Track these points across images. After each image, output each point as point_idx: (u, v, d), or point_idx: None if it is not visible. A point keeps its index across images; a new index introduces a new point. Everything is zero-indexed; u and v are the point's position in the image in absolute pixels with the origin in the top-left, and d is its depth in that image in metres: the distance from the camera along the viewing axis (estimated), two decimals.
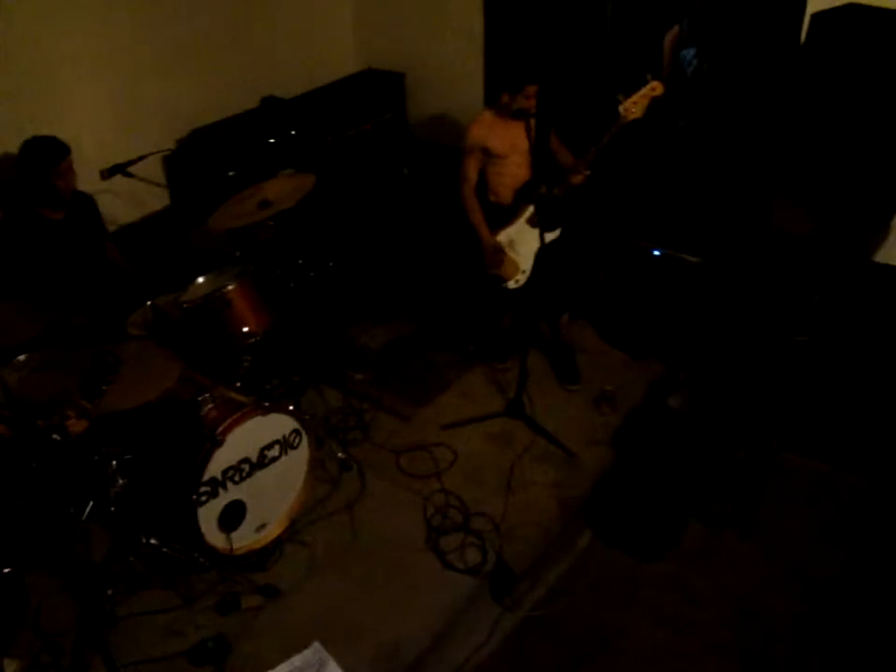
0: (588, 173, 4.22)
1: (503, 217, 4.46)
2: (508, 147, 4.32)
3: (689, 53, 5.19)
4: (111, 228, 4.59)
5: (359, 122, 5.60)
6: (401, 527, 3.87)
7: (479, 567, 3.67)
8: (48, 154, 4.02)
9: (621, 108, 3.98)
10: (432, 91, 5.94)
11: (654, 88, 3.97)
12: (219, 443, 3.40)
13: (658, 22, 5.21)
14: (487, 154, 4.38)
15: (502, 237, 4.45)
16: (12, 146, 4.16)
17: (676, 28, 5.19)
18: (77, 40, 4.55)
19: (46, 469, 3.29)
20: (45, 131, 4.08)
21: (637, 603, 3.57)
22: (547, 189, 4.26)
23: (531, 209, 4.37)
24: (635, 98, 3.97)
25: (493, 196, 4.51)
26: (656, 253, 4.81)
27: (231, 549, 3.59)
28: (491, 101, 5.59)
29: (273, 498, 3.76)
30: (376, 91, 5.87)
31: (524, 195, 4.39)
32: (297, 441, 3.77)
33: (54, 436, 2.97)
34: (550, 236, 4.37)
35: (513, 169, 4.37)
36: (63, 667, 3.28)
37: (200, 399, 3.58)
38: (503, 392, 4.62)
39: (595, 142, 4.09)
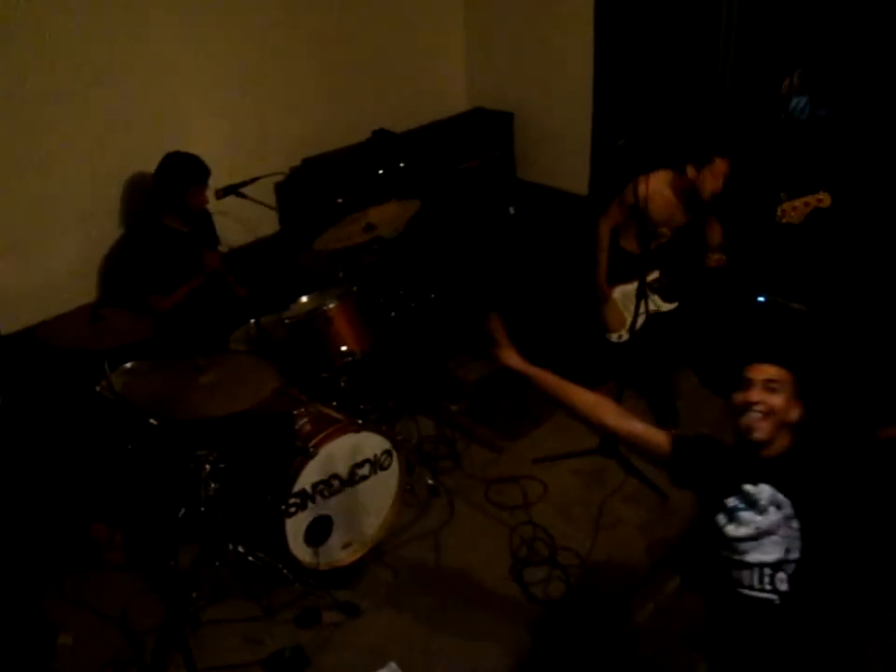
0: (725, 259, 4.10)
1: (626, 268, 4.41)
2: (665, 218, 4.22)
3: (800, 101, 5.10)
4: (223, 249, 4.74)
5: (467, 159, 5.67)
6: (486, 557, 3.83)
7: (561, 602, 3.59)
8: (192, 173, 4.22)
9: (779, 209, 3.70)
10: (540, 132, 5.96)
11: (821, 199, 3.66)
12: (312, 456, 3.44)
13: (774, 74, 5.15)
14: (639, 214, 4.23)
15: (618, 292, 4.44)
16: (143, 164, 4.40)
17: (787, 79, 5.11)
18: (201, 68, 4.75)
19: (141, 452, 3.41)
20: (169, 149, 4.29)
21: None
22: (681, 264, 4.19)
23: (655, 274, 4.31)
24: (797, 203, 3.67)
25: (625, 243, 4.46)
26: (761, 299, 4.72)
27: (317, 564, 3.61)
28: (598, 147, 5.63)
29: (361, 517, 3.77)
30: (485, 130, 5.92)
31: (653, 259, 4.28)
32: (388, 462, 3.79)
33: (151, 420, 3.07)
34: (667, 306, 4.33)
35: (658, 235, 4.30)
36: (143, 665, 3.32)
37: (295, 412, 3.63)
38: (596, 429, 4.54)
39: (740, 234, 3.99)
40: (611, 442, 4.31)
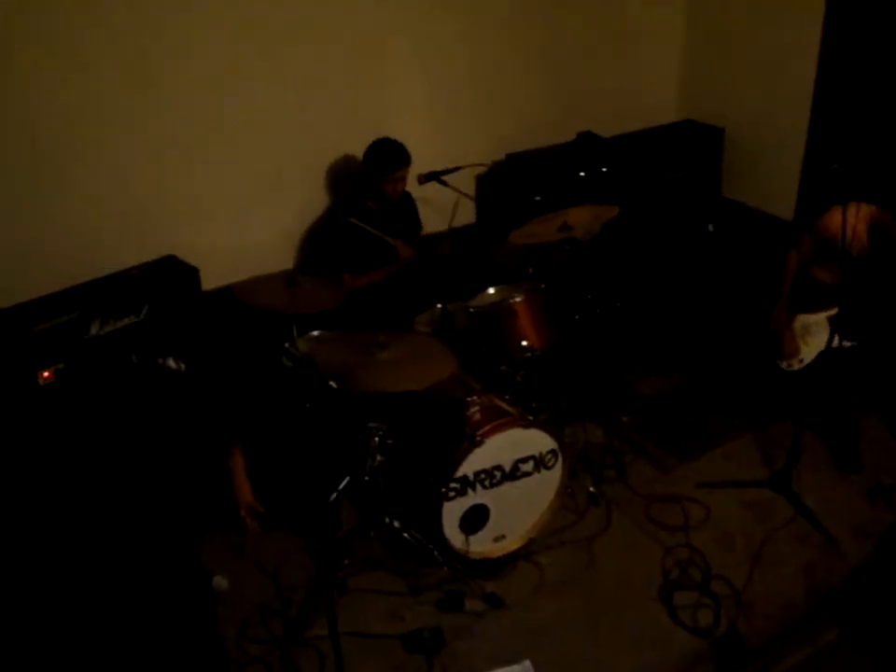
0: None
1: (812, 298, 4.26)
2: (856, 249, 4.00)
3: None
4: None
5: (671, 171, 5.58)
6: (637, 572, 3.77)
7: (709, 631, 3.48)
8: (389, 158, 4.39)
9: None
10: (750, 151, 5.80)
11: None
12: (478, 444, 3.48)
13: None
14: (830, 245, 4.08)
15: (799, 322, 4.28)
16: (355, 146, 4.60)
17: None
18: (420, 57, 4.95)
19: (317, 415, 3.58)
20: (381, 133, 4.47)
21: None
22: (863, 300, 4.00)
23: (835, 309, 4.13)
24: None
25: (816, 272, 4.31)
26: None
27: (468, 551, 3.65)
28: (809, 172, 5.41)
29: (518, 512, 3.78)
30: (693, 143, 5.82)
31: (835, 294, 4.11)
32: (552, 462, 3.78)
33: (331, 383, 3.18)
34: (846, 343, 4.14)
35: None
36: (288, 618, 3.48)
37: (468, 399, 3.69)
38: (770, 462, 4.38)
39: None
40: (784, 477, 4.15)
